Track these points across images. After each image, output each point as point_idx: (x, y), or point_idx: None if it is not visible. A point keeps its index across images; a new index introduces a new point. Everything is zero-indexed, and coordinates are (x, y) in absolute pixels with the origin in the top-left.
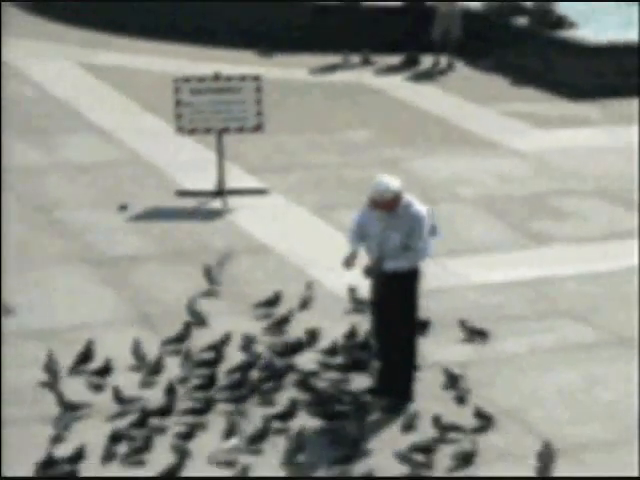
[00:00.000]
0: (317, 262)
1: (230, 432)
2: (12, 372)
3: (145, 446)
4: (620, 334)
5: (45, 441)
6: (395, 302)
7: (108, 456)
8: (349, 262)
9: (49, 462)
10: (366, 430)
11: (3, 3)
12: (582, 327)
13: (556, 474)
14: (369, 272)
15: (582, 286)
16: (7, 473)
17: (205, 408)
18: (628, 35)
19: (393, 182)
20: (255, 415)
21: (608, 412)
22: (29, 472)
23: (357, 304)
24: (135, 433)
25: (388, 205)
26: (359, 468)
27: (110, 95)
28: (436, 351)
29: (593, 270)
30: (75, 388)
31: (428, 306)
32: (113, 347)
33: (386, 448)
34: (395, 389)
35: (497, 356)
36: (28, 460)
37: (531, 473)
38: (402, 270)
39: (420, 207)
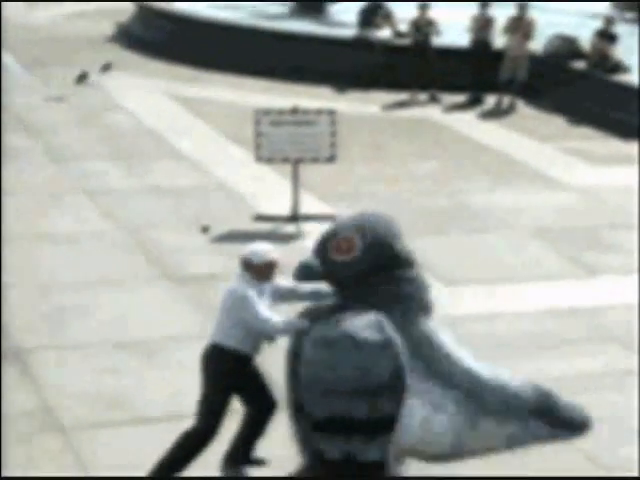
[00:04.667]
0: None
1: None
2: (87, 379)
3: None
4: None
5: None
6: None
7: None
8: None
9: None
10: None
11: (105, 41)
12: (627, 353)
13: None
14: None
15: (629, 315)
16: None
17: None
18: None
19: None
20: None
21: None
22: None
23: None
24: None
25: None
26: None
27: (196, 125)
28: None
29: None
30: None
31: (480, 330)
32: (189, 358)
33: None
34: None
35: (545, 379)
36: None
37: None
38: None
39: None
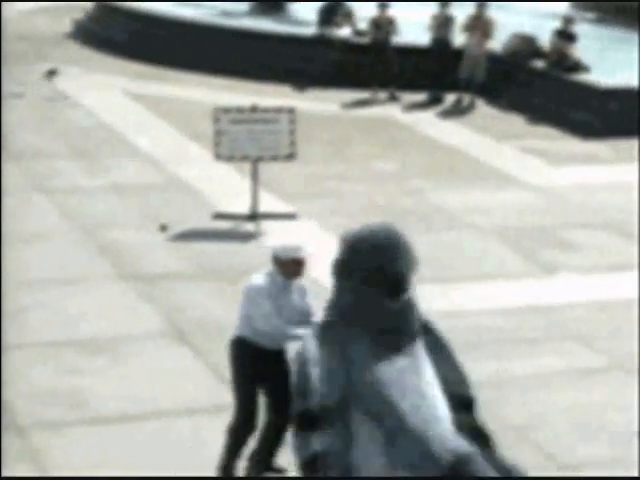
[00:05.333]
0: None
1: None
2: (47, 377)
3: None
4: (624, 360)
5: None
6: None
7: None
8: None
9: None
10: None
11: (62, 38)
12: (588, 352)
13: None
14: None
15: (588, 313)
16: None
17: None
18: (635, 80)
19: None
20: None
21: (611, 433)
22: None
23: None
24: None
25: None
26: None
27: (156, 123)
28: None
29: (599, 299)
30: None
31: (440, 328)
32: (146, 356)
33: None
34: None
35: (508, 378)
36: None
37: None
38: None
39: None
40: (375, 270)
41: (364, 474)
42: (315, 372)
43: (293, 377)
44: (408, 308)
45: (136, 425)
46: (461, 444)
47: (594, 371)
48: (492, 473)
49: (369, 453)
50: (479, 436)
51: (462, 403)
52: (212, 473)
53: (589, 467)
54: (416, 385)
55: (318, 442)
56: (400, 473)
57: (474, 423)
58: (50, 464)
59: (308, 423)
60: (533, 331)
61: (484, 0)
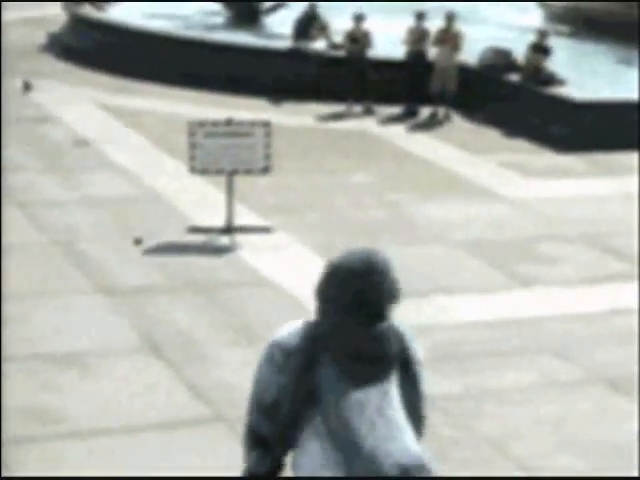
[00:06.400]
0: None
1: None
2: (20, 392)
3: None
4: (600, 372)
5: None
6: None
7: None
8: None
9: None
10: None
11: (37, 50)
12: (563, 364)
13: None
14: None
15: (564, 326)
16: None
17: None
18: (610, 93)
19: None
20: None
21: (586, 445)
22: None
23: None
24: None
25: None
26: None
27: (130, 136)
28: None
29: (575, 311)
30: None
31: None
32: (121, 370)
33: None
34: None
35: (483, 391)
36: None
37: None
38: None
39: None
40: (353, 295)
41: None
42: (274, 389)
43: (253, 386)
44: (385, 336)
45: (110, 439)
46: (408, 457)
47: (571, 384)
48: None
49: (319, 468)
50: None
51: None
52: None
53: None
54: (378, 406)
55: (252, 461)
56: None
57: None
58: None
59: (253, 440)
60: (509, 344)
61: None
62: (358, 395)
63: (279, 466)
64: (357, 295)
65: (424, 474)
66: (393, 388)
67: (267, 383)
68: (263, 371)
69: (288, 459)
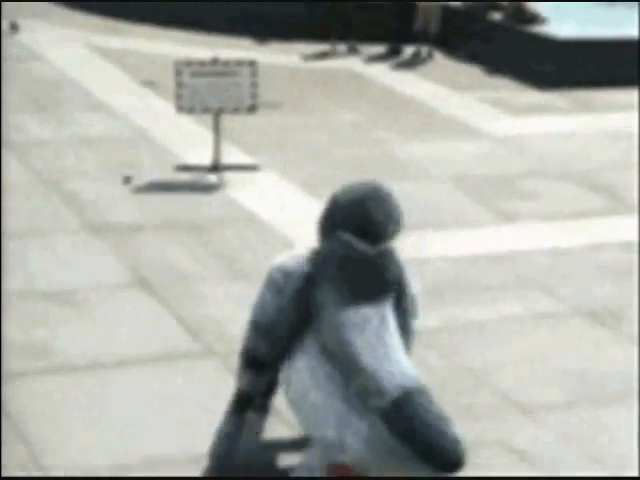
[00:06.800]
0: (305, 234)
1: None
2: (13, 328)
3: None
4: (581, 305)
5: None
6: None
7: None
8: None
9: None
10: None
11: None
12: (547, 298)
13: (518, 429)
14: None
15: (547, 260)
16: None
17: None
18: (591, 31)
19: None
20: None
21: (568, 375)
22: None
23: None
24: None
25: None
26: None
27: (117, 76)
28: None
29: (558, 246)
30: None
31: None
32: (112, 306)
33: None
34: None
35: (467, 323)
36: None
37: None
38: None
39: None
40: (359, 218)
41: (323, 414)
42: (272, 311)
43: (253, 309)
44: (385, 258)
45: (102, 373)
46: (408, 379)
47: (553, 316)
48: (435, 409)
49: (327, 393)
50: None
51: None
52: (176, 418)
53: (545, 408)
54: (376, 330)
55: (246, 381)
56: (353, 413)
57: None
58: (16, 411)
59: (248, 361)
60: (493, 278)
61: None
62: (358, 316)
63: (272, 388)
64: (363, 217)
65: (424, 397)
66: (390, 313)
67: (266, 305)
68: (263, 293)
69: (280, 378)
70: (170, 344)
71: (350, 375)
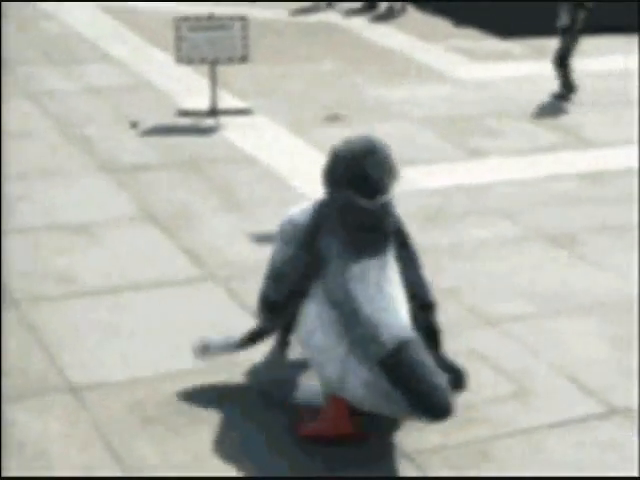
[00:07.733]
0: (294, 170)
1: None
2: (35, 257)
3: None
4: (542, 230)
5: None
6: None
7: None
8: None
9: None
10: None
11: None
12: (510, 224)
13: (484, 340)
14: None
15: (510, 190)
16: None
17: None
18: None
19: None
20: None
21: (530, 291)
22: None
23: None
24: None
25: None
26: None
27: (123, 32)
28: None
29: (519, 177)
30: None
31: None
32: (122, 237)
33: None
34: None
35: (439, 248)
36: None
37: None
38: None
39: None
40: (357, 171)
41: (327, 355)
42: (283, 259)
43: (270, 258)
44: (383, 211)
45: (116, 296)
46: (404, 331)
47: (517, 240)
48: (427, 361)
49: (332, 336)
50: (430, 335)
51: (422, 304)
52: (183, 334)
53: (511, 320)
54: (376, 279)
55: (262, 321)
56: (354, 357)
57: (428, 323)
58: (43, 331)
59: (264, 304)
60: (461, 207)
61: None
62: (359, 265)
63: (286, 328)
64: (361, 171)
65: (418, 348)
66: (391, 261)
67: (278, 254)
68: (277, 243)
69: (293, 321)
70: (175, 270)
71: (351, 324)
